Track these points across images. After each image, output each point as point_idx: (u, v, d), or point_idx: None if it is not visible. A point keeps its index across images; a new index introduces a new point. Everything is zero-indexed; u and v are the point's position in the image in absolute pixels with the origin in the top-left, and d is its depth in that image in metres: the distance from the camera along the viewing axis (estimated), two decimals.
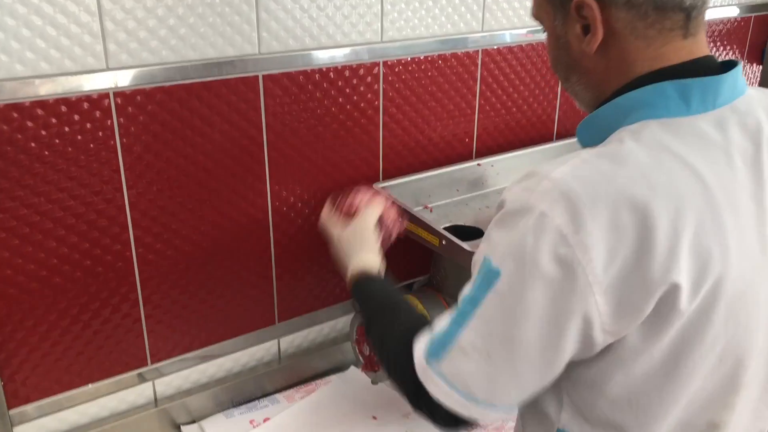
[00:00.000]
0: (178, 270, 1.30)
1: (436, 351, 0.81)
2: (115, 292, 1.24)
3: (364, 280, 1.10)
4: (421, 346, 0.83)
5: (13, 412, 1.21)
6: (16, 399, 1.21)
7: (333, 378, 1.50)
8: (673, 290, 0.70)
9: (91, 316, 1.24)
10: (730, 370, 0.79)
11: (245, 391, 1.43)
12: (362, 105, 1.41)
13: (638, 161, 0.72)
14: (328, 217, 1.24)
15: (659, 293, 0.70)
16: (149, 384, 1.34)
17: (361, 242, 1.17)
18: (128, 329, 1.28)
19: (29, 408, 1.23)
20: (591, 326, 0.72)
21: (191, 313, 1.35)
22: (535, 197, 0.72)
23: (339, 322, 1.56)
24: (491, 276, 0.75)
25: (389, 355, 0.94)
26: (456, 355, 0.79)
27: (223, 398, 1.40)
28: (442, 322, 0.82)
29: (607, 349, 0.75)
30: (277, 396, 1.44)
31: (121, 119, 1.16)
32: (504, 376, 0.77)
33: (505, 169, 1.56)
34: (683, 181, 0.72)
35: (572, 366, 0.79)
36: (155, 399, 1.36)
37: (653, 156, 0.73)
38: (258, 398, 1.44)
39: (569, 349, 0.75)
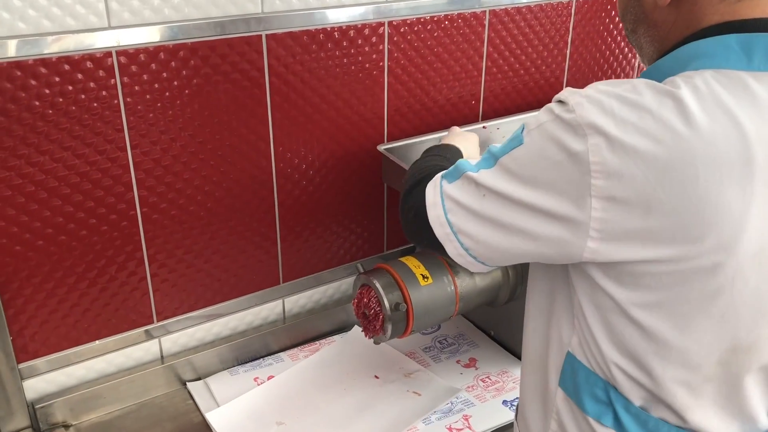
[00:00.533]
0: (183, 229, 1.31)
1: (452, 174, 0.89)
2: (120, 250, 1.26)
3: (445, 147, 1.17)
4: (438, 176, 0.92)
5: (22, 366, 1.24)
6: (25, 354, 1.24)
7: (336, 338, 1.51)
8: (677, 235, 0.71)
9: (97, 273, 1.25)
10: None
11: (250, 349, 1.45)
12: (367, 66, 1.40)
13: (680, 99, 0.72)
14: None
15: (656, 236, 0.72)
16: (155, 341, 1.37)
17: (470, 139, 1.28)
18: (134, 287, 1.30)
19: (38, 362, 1.26)
20: (577, 226, 0.75)
21: (196, 272, 1.36)
22: (576, 97, 0.76)
23: (343, 284, 1.57)
24: (515, 141, 0.81)
25: (417, 170, 1.05)
26: (462, 184, 0.86)
27: (227, 356, 1.43)
28: (464, 161, 0.89)
29: (620, 278, 0.76)
30: (282, 355, 1.47)
31: (125, 78, 1.16)
32: (487, 223, 0.83)
33: (510, 132, 1.54)
34: (723, 131, 0.71)
35: (588, 287, 0.80)
36: (161, 356, 1.38)
37: (697, 97, 0.72)
38: (262, 357, 1.46)
39: (548, 232, 0.78)
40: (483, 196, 0.84)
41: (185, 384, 1.38)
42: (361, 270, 1.37)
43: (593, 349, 0.83)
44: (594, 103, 0.74)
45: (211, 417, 1.28)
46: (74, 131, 1.15)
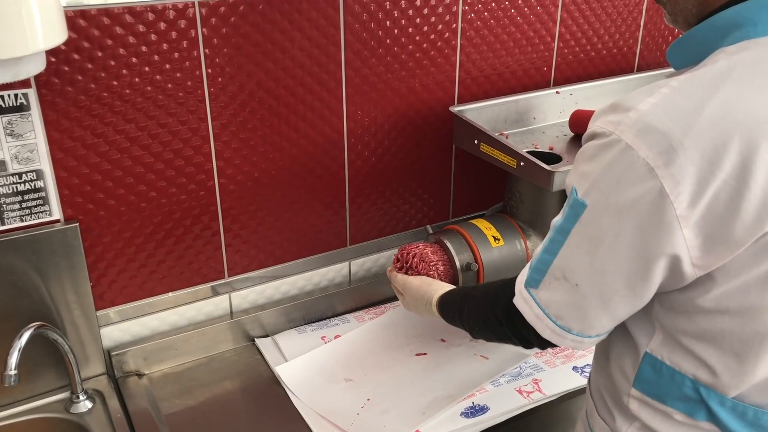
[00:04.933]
0: (257, 186, 1.32)
1: (533, 280, 0.83)
2: (195, 203, 1.28)
3: (445, 298, 1.13)
4: (521, 278, 0.86)
5: (100, 313, 1.26)
6: (102, 301, 1.27)
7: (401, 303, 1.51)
8: (765, 236, 0.67)
9: (172, 225, 1.27)
10: None
11: (316, 310, 1.46)
12: (440, 27, 1.39)
13: (735, 85, 0.67)
14: (391, 272, 1.31)
15: (754, 236, 0.67)
16: (225, 296, 1.38)
17: (429, 282, 1.21)
18: (207, 241, 1.32)
19: (114, 311, 1.28)
20: (679, 260, 0.70)
21: (267, 230, 1.37)
22: (621, 129, 0.70)
23: None
24: (578, 207, 0.75)
25: (483, 305, 0.98)
26: (550, 283, 0.80)
27: (295, 315, 1.43)
28: (537, 250, 0.83)
29: (701, 277, 0.73)
30: (348, 316, 1.47)
31: (205, 30, 1.17)
32: (593, 306, 0.77)
33: (584, 98, 1.52)
34: None
35: (664, 294, 0.77)
36: (231, 311, 1.40)
37: (752, 80, 0.68)
38: (328, 318, 1.46)
39: (657, 280, 0.73)
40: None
41: (253, 340, 1.40)
42: (430, 231, 1.36)
43: (677, 348, 0.79)
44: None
45: (281, 370, 1.29)
46: (156, 81, 1.16)
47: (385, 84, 1.38)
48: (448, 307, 1.11)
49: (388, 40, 1.34)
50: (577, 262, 0.76)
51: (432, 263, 1.28)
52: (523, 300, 0.85)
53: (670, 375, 0.80)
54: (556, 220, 0.79)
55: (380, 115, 1.40)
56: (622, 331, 0.85)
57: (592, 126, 0.75)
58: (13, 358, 1.04)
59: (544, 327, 0.83)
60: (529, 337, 0.88)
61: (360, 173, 1.43)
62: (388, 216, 1.51)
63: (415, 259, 1.28)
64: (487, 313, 0.96)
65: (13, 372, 1.03)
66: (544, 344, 0.87)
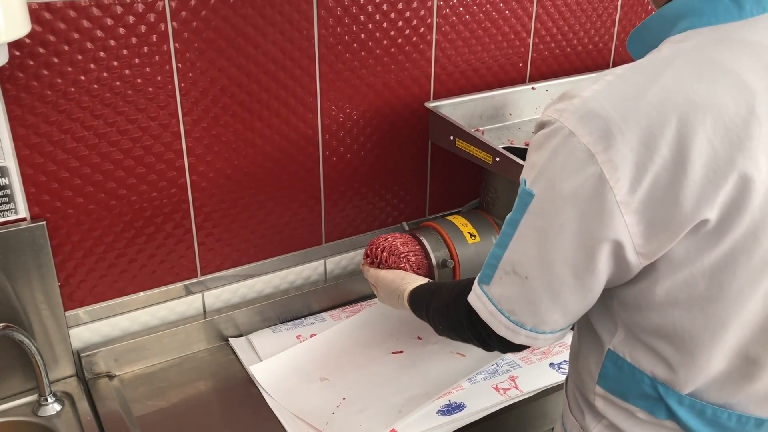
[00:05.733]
0: (229, 183, 1.30)
1: (486, 275, 0.82)
2: (167, 201, 1.25)
3: (415, 292, 1.11)
4: (475, 281, 0.85)
5: (68, 314, 1.23)
6: (71, 302, 1.24)
7: (377, 300, 1.50)
8: (704, 223, 0.68)
9: (143, 222, 1.25)
10: None
11: (292, 308, 1.44)
12: (415, 22, 1.38)
13: (676, 72, 0.68)
14: (364, 266, 1.28)
15: (692, 223, 0.67)
16: (198, 296, 1.36)
17: (402, 275, 1.19)
18: (179, 239, 1.30)
19: (84, 311, 1.26)
20: (623, 247, 0.70)
21: (241, 228, 1.35)
22: (565, 116, 0.70)
23: None
24: (526, 197, 0.75)
25: (447, 303, 0.96)
26: (501, 277, 0.79)
27: (269, 314, 1.41)
28: (492, 248, 0.82)
29: (647, 268, 0.73)
30: (324, 315, 1.45)
31: (175, 24, 1.15)
32: (543, 299, 0.76)
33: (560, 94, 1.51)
34: (726, 92, 0.67)
35: (618, 288, 0.77)
36: (204, 311, 1.37)
37: (693, 67, 0.69)
38: (304, 316, 1.45)
39: (604, 270, 0.73)
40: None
41: (227, 340, 1.38)
42: (407, 228, 1.35)
43: (637, 344, 0.79)
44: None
45: (255, 370, 1.27)
46: (124, 76, 1.14)
47: (359, 79, 1.36)
48: (417, 302, 1.10)
49: (362, 35, 1.33)
50: (526, 253, 0.76)
51: (402, 255, 1.26)
52: (476, 297, 0.84)
53: (630, 372, 0.80)
54: (508, 215, 0.79)
55: (355, 111, 1.39)
56: (588, 329, 0.85)
57: (542, 116, 0.75)
58: None
59: (498, 323, 0.81)
60: (486, 338, 0.86)
61: (335, 170, 1.42)
62: (364, 213, 1.50)
63: (384, 254, 1.26)
64: (450, 311, 0.94)
65: None
66: (504, 346, 0.85)
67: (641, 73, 0.70)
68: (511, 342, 0.82)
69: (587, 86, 0.71)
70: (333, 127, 1.37)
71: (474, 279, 0.86)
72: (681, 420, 0.78)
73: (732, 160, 0.66)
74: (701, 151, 0.66)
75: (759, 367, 0.75)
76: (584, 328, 0.86)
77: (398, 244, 1.27)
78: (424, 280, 1.15)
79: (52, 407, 1.18)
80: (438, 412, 1.19)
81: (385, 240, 1.28)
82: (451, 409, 1.19)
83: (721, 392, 0.77)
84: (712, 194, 0.66)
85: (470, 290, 0.86)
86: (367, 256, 1.28)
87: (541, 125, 0.74)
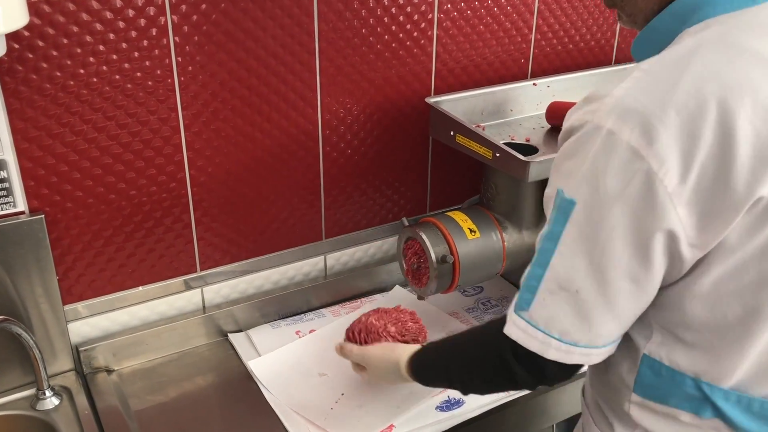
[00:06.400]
0: (229, 178, 1.30)
1: (524, 300, 0.78)
2: (166, 195, 1.25)
3: (418, 359, 1.02)
4: (511, 306, 0.80)
5: (67, 308, 1.23)
6: (70, 296, 1.24)
7: (378, 296, 1.49)
8: (759, 201, 0.67)
9: (142, 217, 1.25)
10: None
11: (291, 304, 1.43)
12: (416, 17, 1.37)
13: (705, 59, 0.68)
14: (344, 347, 1.16)
15: (747, 204, 0.67)
16: (198, 291, 1.36)
17: (391, 347, 1.10)
18: (179, 234, 1.29)
19: (82, 306, 1.25)
20: (677, 241, 0.69)
21: (240, 224, 1.35)
22: (599, 117, 0.69)
23: (385, 243, 1.55)
24: (566, 206, 0.72)
25: (476, 354, 0.89)
26: (544, 298, 0.76)
27: (269, 310, 1.41)
28: (525, 272, 0.79)
29: (697, 261, 0.72)
30: (323, 311, 1.45)
31: (174, 17, 1.15)
32: (598, 310, 0.74)
33: (561, 90, 1.51)
34: (758, 73, 0.67)
35: (661, 290, 0.76)
36: (203, 306, 1.37)
37: (721, 52, 0.69)
38: (303, 312, 1.44)
39: (659, 268, 0.71)
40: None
41: (226, 335, 1.37)
42: (407, 224, 1.34)
43: (676, 345, 0.78)
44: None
45: (253, 365, 1.27)
46: (124, 69, 1.13)
47: (360, 75, 1.36)
48: (426, 368, 1.01)
49: (363, 30, 1.32)
50: (575, 266, 0.73)
51: (380, 328, 1.17)
52: (518, 329, 0.78)
53: (670, 375, 0.78)
54: (542, 232, 0.76)
55: (356, 107, 1.38)
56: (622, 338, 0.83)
57: (569, 122, 0.74)
58: None
59: (547, 348, 0.77)
60: (539, 372, 0.80)
61: (335, 165, 1.41)
62: (365, 209, 1.50)
63: (362, 335, 1.17)
64: (485, 360, 0.86)
65: None
66: (559, 372, 0.80)
67: (669, 64, 0.70)
68: (564, 365, 0.78)
69: (615, 85, 0.71)
70: (333, 123, 1.37)
71: (496, 320, 0.83)
72: (727, 416, 0.77)
73: None
74: (745, 132, 0.65)
75: None
76: None
77: (372, 320, 1.18)
78: (416, 347, 1.06)
79: (50, 401, 1.18)
80: (437, 408, 1.18)
81: (359, 322, 1.20)
82: (450, 405, 1.19)
83: (762, 381, 0.76)
84: (763, 172, 0.66)
85: (503, 326, 0.81)
86: (348, 340, 1.20)
87: (570, 131, 0.73)
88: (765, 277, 0.71)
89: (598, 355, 0.78)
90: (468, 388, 0.95)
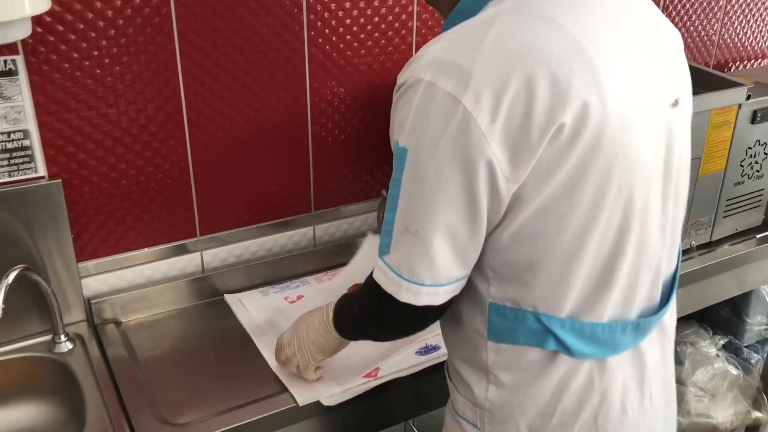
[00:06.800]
0: (228, 151, 1.45)
1: (385, 244, 0.87)
2: (169, 164, 1.40)
3: (337, 306, 1.10)
4: (377, 256, 0.89)
5: (80, 265, 1.38)
6: (83, 254, 1.39)
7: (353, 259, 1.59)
8: (560, 129, 0.77)
9: (148, 187, 1.40)
10: (626, 200, 0.84)
11: (281, 270, 1.57)
12: (396, 10, 1.51)
13: (505, 20, 0.80)
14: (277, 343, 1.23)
15: (549, 131, 0.77)
16: (197, 254, 1.50)
17: (311, 313, 1.16)
18: (179, 202, 1.44)
19: (94, 263, 1.41)
20: (495, 174, 0.78)
21: (236, 193, 1.50)
22: (419, 71, 0.79)
23: (370, 217, 1.69)
24: (402, 154, 0.82)
25: (360, 295, 0.99)
26: (397, 241, 0.85)
27: (261, 274, 1.55)
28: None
29: (515, 199, 0.81)
30: (308, 278, 1.59)
31: (177, 7, 1.30)
32: (437, 249, 0.83)
33: None
34: (549, 31, 0.79)
35: (490, 235, 0.85)
36: (202, 268, 1.52)
37: (518, 17, 0.80)
38: (290, 279, 1.57)
39: (483, 203, 0.80)
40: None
41: (222, 295, 1.52)
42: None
43: (512, 285, 0.87)
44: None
45: (245, 322, 1.40)
46: (131, 52, 1.29)
47: (346, 61, 1.50)
48: (339, 318, 1.09)
49: (347, 21, 1.47)
50: (413, 207, 0.82)
51: None
52: (379, 270, 0.88)
53: (514, 314, 0.89)
54: (391, 179, 0.84)
55: (342, 90, 1.53)
56: (466, 296, 0.92)
57: (398, 81, 0.83)
58: (0, 294, 1.16)
59: (399, 289, 0.86)
60: (394, 315, 0.90)
61: (323, 144, 1.56)
62: (352, 185, 1.64)
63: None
64: (363, 302, 0.97)
65: (0, 306, 1.15)
66: (411, 317, 0.89)
67: (474, 27, 0.81)
68: (414, 307, 0.87)
69: (428, 47, 0.81)
70: (321, 105, 1.52)
71: None
72: (565, 343, 0.88)
73: (570, 84, 0.77)
74: (544, 75, 0.76)
75: (613, 272, 0.87)
76: (463, 299, 0.93)
77: None
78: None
79: (65, 345, 1.33)
80: (416, 352, 1.31)
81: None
82: (428, 350, 1.32)
83: (588, 307, 0.88)
84: (561, 105, 0.77)
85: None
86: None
87: (398, 89, 0.83)
88: (576, 206, 0.81)
89: (444, 294, 0.86)
90: (363, 331, 1.04)
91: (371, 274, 0.93)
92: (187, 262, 1.50)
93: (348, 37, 1.48)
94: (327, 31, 1.46)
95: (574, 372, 0.91)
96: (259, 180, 1.51)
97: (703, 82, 1.58)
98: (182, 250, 1.49)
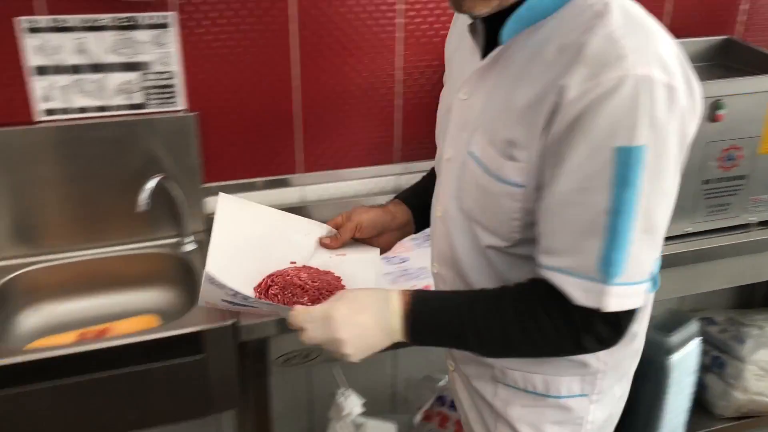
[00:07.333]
0: (328, 103, 1.73)
1: (616, 268, 0.78)
2: (276, 108, 1.71)
3: (415, 314, 0.88)
4: (577, 282, 0.80)
5: (205, 186, 1.71)
6: (208, 177, 1.71)
7: None
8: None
9: (264, 124, 1.71)
10: None
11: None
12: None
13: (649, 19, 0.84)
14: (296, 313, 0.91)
15: None
16: (298, 188, 1.80)
17: (365, 293, 0.91)
18: (286, 143, 1.75)
19: (216, 186, 1.72)
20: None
21: (335, 139, 1.78)
22: (626, 68, 0.75)
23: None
24: (637, 155, 0.75)
25: (523, 328, 0.85)
26: (635, 253, 0.79)
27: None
28: (596, 248, 0.78)
29: None
30: None
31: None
32: (661, 235, 0.82)
33: None
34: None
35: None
36: (303, 200, 1.81)
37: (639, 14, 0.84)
38: None
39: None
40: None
41: None
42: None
43: None
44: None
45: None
46: (255, 13, 1.60)
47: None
48: (428, 317, 0.89)
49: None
50: (649, 205, 0.78)
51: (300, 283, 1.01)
52: (617, 298, 0.80)
53: None
54: (604, 200, 0.76)
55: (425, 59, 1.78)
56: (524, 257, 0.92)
57: (595, 91, 0.75)
58: (145, 194, 1.50)
59: (639, 297, 0.82)
60: (610, 328, 0.84)
61: (410, 103, 1.81)
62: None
63: (276, 288, 0.99)
64: (537, 329, 0.85)
65: (145, 201, 1.49)
66: (625, 321, 0.84)
67: (635, 18, 0.82)
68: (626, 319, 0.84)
69: (614, 41, 0.77)
70: (409, 70, 1.78)
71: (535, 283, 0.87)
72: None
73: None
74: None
75: None
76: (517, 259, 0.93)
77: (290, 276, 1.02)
78: (397, 290, 0.90)
79: (189, 245, 1.66)
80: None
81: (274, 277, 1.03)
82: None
83: None
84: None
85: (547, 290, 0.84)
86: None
87: (606, 94, 0.75)
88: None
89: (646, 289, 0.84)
90: (494, 349, 0.91)
91: (567, 307, 0.82)
92: (288, 195, 1.80)
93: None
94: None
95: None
96: (350, 129, 1.79)
97: (763, 64, 1.70)
98: (285, 183, 1.79)
